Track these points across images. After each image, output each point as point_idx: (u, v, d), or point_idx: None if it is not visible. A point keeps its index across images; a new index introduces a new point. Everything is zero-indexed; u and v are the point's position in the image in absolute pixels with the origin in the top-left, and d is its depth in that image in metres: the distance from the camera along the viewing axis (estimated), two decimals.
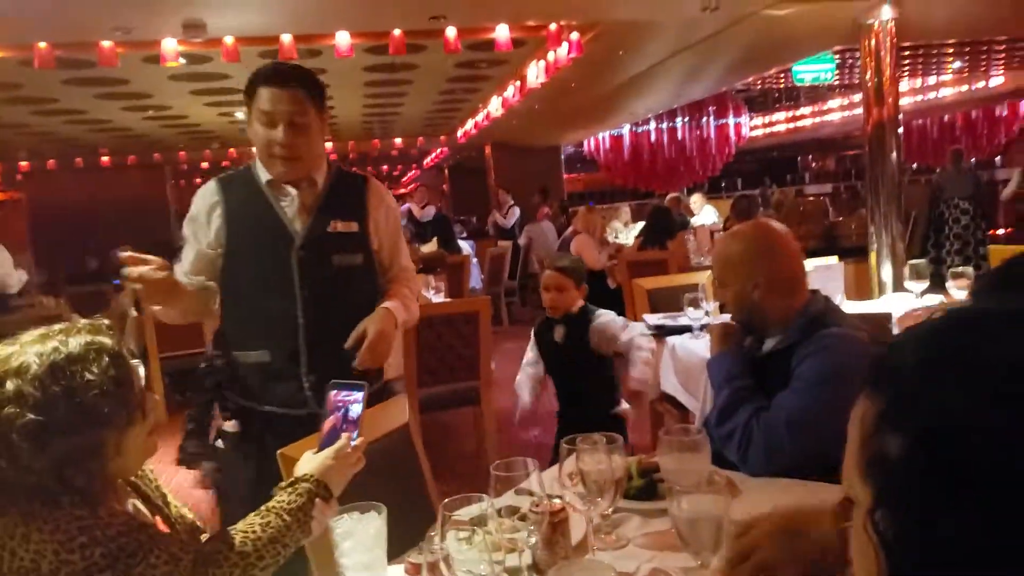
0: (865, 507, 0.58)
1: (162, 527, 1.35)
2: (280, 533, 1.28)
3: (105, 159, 11.88)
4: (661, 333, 3.50)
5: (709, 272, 4.35)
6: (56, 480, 1.16)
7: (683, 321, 3.46)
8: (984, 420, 0.52)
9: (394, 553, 1.29)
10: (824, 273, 3.45)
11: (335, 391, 1.45)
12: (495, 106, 9.45)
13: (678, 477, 1.31)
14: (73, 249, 9.13)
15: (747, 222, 2.13)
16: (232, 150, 12.70)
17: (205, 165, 14.15)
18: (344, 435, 1.41)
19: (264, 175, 2.06)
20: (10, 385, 1.15)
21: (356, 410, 1.43)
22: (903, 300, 3.59)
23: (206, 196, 2.09)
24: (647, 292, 4.17)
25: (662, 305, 4.00)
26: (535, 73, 7.25)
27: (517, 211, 10.84)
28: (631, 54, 7.04)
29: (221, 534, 1.27)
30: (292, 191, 2.05)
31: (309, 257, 2.02)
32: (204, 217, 2.07)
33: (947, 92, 12.98)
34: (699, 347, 3.17)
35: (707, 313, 3.38)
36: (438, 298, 5.13)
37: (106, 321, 1.32)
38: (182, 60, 5.60)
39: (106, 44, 5.17)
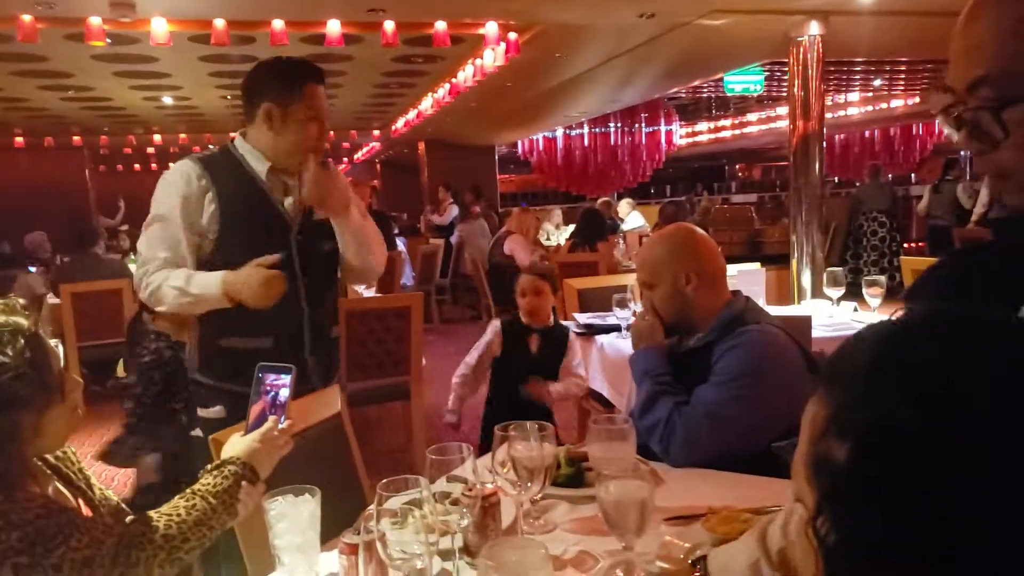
0: (809, 510, 0.60)
1: (85, 510, 1.32)
2: (206, 516, 1.27)
3: (19, 140, 11.32)
4: (590, 332, 3.59)
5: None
6: None
7: (611, 320, 3.55)
8: (919, 430, 0.53)
9: (324, 537, 1.30)
10: (747, 278, 3.60)
11: (263, 374, 1.45)
12: (429, 102, 9.42)
13: (605, 464, 1.36)
14: None
15: (667, 226, 2.19)
16: (158, 136, 12.27)
17: (128, 151, 13.64)
18: (271, 418, 1.42)
19: (263, 164, 2.07)
20: None
21: (284, 394, 1.43)
22: (821, 305, 3.78)
23: (191, 179, 2.03)
24: (577, 292, 4.25)
25: (592, 305, 4.10)
26: (471, 71, 7.28)
27: (456, 209, 10.84)
28: (567, 57, 7.14)
29: (144, 517, 1.26)
30: (292, 180, 2.10)
31: (305, 243, 2.09)
32: (196, 201, 2.02)
33: (868, 109, 13.60)
34: (626, 346, 3.25)
35: (634, 313, 3.48)
36: (369, 293, 5.10)
37: (21, 300, 1.28)
38: (108, 40, 5.38)
39: (27, 18, 4.93)
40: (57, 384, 1.24)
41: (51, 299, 5.91)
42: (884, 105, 13.29)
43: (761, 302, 3.42)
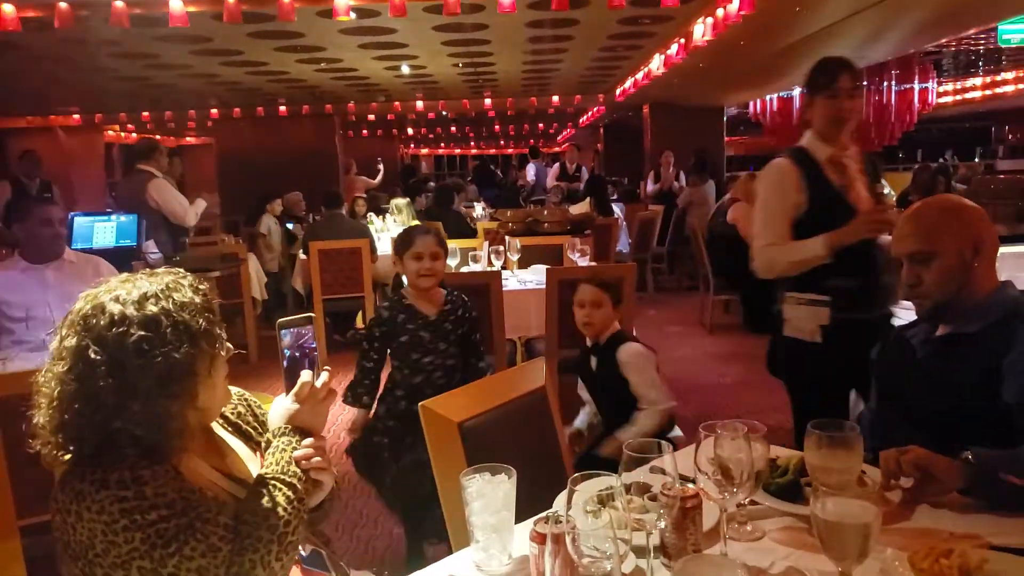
0: None
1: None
2: (294, 493, 1.22)
3: (282, 108, 12.66)
4: None
5: None
6: (139, 425, 1.15)
7: None
8: None
9: (524, 509, 1.27)
10: (1013, 262, 3.10)
11: (285, 330, 1.39)
12: (657, 64, 9.13)
13: (823, 475, 1.23)
14: (253, 191, 9.83)
15: (938, 194, 1.94)
16: (397, 104, 13.13)
17: (371, 117, 14.74)
18: (305, 373, 1.35)
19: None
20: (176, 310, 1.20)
21: (311, 345, 1.39)
22: None
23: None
24: None
25: None
26: (702, 30, 6.92)
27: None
28: (808, 11, 6.56)
29: (249, 515, 1.20)
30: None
31: None
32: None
33: None
34: None
35: None
36: (583, 261, 5.08)
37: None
38: (353, 15, 5.80)
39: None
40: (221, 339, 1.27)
41: (301, 254, 6.58)
42: None
43: None
